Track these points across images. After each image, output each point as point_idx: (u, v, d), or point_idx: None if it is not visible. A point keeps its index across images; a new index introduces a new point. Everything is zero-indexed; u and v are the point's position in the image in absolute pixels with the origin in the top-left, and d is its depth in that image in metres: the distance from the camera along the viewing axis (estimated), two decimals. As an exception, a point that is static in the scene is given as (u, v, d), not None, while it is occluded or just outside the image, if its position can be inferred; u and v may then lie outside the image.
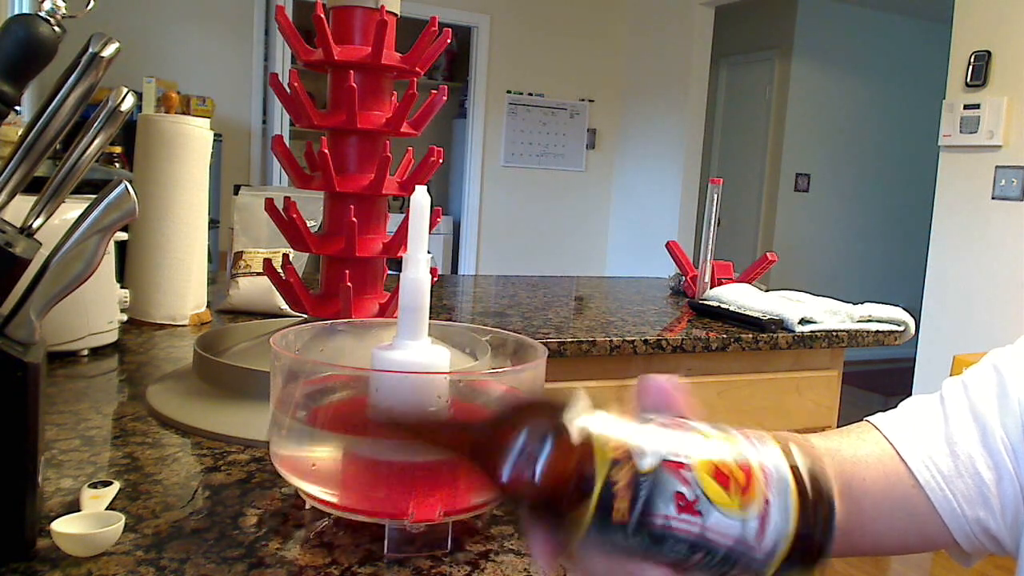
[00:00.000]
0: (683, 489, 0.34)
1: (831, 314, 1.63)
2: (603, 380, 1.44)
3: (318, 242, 0.88)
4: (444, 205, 5.90)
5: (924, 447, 0.55)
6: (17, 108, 0.53)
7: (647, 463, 0.34)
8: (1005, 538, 0.53)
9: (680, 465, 0.34)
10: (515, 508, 0.37)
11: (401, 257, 0.61)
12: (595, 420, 0.35)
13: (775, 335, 1.52)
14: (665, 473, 0.34)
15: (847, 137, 5.91)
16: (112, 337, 1.09)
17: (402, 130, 0.87)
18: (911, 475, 0.54)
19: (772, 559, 0.35)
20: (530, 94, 5.33)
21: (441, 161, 0.90)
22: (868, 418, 0.58)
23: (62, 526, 0.52)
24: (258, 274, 1.37)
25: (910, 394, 3.60)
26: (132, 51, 4.03)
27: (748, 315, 1.58)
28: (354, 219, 0.84)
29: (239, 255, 1.42)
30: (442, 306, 1.70)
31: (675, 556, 0.35)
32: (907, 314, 1.67)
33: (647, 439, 0.35)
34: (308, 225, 0.89)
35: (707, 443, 0.36)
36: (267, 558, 0.53)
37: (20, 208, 0.55)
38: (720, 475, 0.35)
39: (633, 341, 1.41)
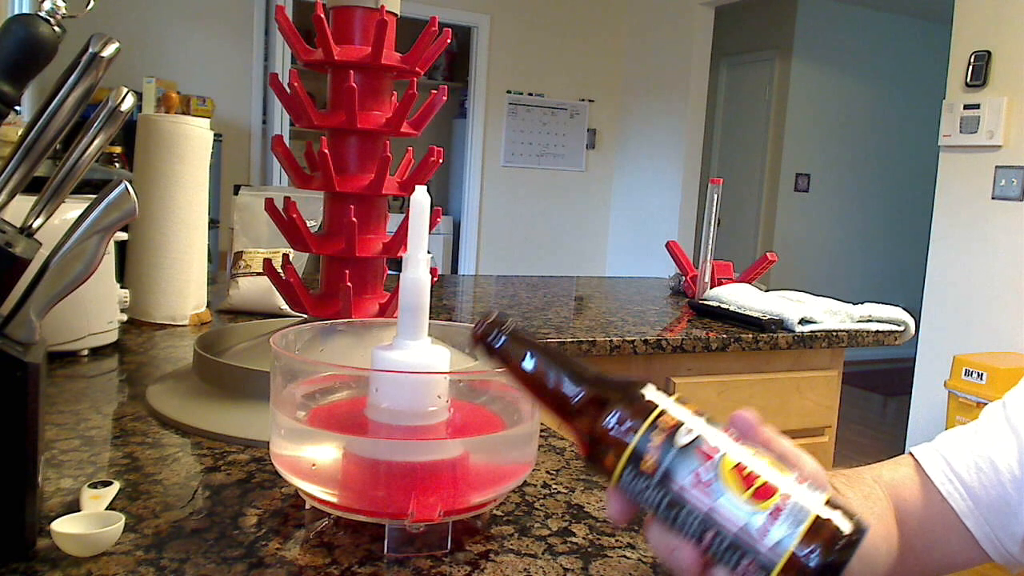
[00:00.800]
0: (702, 469, 0.39)
1: (831, 314, 1.63)
2: (603, 380, 1.44)
3: (318, 242, 0.88)
4: (444, 205, 5.90)
5: (949, 462, 0.55)
6: (17, 108, 0.53)
7: (683, 440, 0.40)
8: None
9: (710, 454, 0.40)
10: (589, 455, 0.43)
11: (401, 257, 0.61)
12: (666, 400, 0.42)
13: (775, 335, 1.52)
14: (694, 452, 0.40)
15: (847, 137, 5.91)
16: (112, 337, 1.09)
17: (402, 130, 0.87)
18: (936, 489, 0.54)
19: (776, 559, 0.37)
20: (530, 94, 5.32)
21: (441, 161, 0.90)
22: (910, 448, 0.59)
23: (62, 526, 0.52)
24: (258, 274, 1.37)
25: (910, 394, 3.58)
26: (132, 51, 4.03)
27: (748, 315, 1.58)
28: (354, 219, 0.84)
29: (239, 255, 1.42)
30: (442, 306, 1.70)
31: (691, 531, 0.39)
32: (907, 314, 1.67)
33: (696, 425, 0.41)
34: (308, 225, 0.89)
35: (750, 454, 0.40)
36: (267, 558, 0.53)
37: (20, 208, 0.55)
38: (742, 475, 0.39)
39: (633, 341, 1.41)
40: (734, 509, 0.38)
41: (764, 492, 0.38)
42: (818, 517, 0.38)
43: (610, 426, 0.41)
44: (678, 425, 0.41)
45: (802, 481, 0.39)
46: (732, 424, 0.43)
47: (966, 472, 0.54)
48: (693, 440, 0.40)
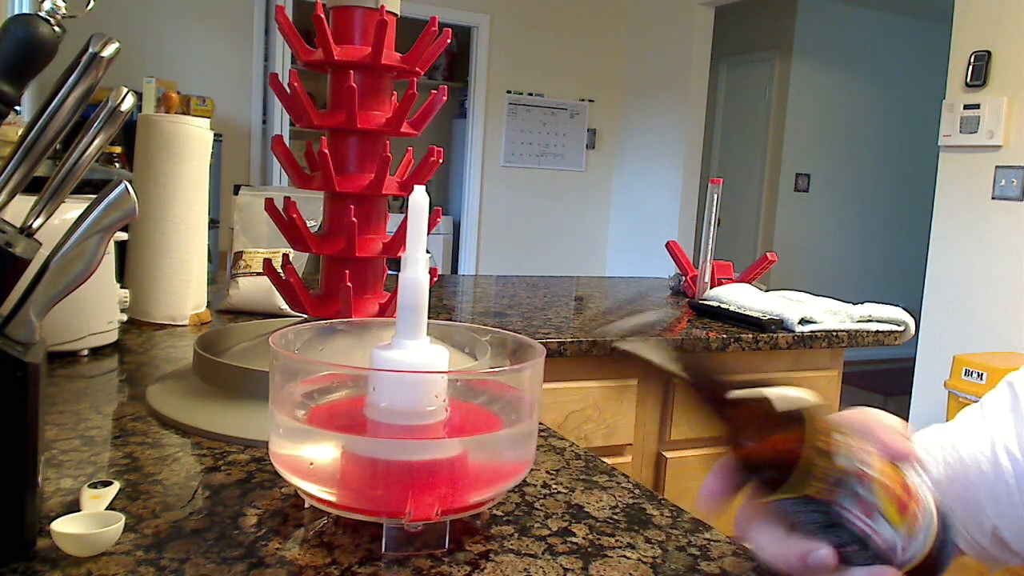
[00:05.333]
0: (865, 494, 0.43)
1: (831, 314, 1.63)
2: (603, 380, 1.44)
3: (318, 242, 0.88)
4: (444, 205, 5.90)
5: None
6: (17, 108, 0.53)
7: (842, 462, 0.44)
8: (1020, 546, 0.53)
9: (865, 475, 0.44)
10: (738, 459, 0.46)
11: (401, 257, 0.61)
12: (815, 408, 0.45)
13: (775, 335, 1.52)
14: (854, 476, 0.44)
15: (847, 137, 5.91)
16: (112, 337, 1.09)
17: (402, 130, 0.87)
18: None
19: (904, 566, 0.45)
20: (530, 94, 5.33)
21: (441, 161, 0.90)
22: None
23: (62, 526, 0.52)
24: (258, 274, 1.37)
25: (910, 394, 3.56)
26: (132, 51, 4.03)
27: (748, 315, 1.58)
28: (354, 219, 0.84)
29: (239, 255, 1.42)
30: (442, 306, 1.70)
31: (838, 540, 0.43)
32: (907, 314, 1.67)
33: (845, 443, 0.45)
34: (308, 225, 0.89)
35: (884, 464, 0.45)
36: (267, 558, 0.53)
37: (20, 208, 0.55)
38: (892, 495, 0.44)
39: (633, 341, 1.41)
40: (886, 528, 0.43)
41: (902, 506, 0.44)
42: (937, 534, 0.45)
43: (767, 444, 0.44)
44: (835, 444, 0.44)
45: (917, 485, 0.46)
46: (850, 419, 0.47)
47: (935, 468, 0.55)
48: (850, 464, 0.44)
